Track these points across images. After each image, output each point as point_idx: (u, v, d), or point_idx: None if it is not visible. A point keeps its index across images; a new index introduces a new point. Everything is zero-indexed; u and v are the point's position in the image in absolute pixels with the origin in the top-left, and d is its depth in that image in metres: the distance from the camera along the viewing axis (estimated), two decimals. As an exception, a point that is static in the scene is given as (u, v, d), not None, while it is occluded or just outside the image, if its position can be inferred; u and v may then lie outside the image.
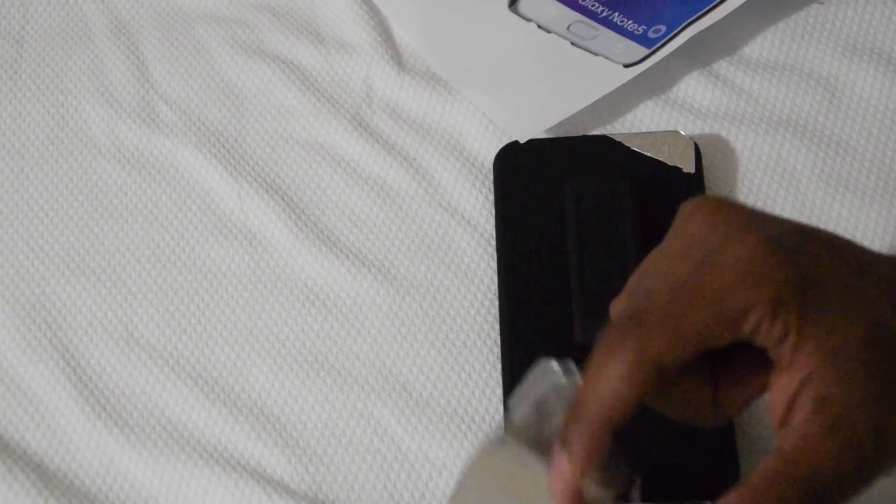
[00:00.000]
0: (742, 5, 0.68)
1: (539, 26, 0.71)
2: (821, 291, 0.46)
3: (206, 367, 0.64)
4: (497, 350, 0.63)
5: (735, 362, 0.48)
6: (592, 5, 0.71)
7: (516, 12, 0.71)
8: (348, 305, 0.65)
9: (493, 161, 0.67)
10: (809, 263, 0.46)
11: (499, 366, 0.62)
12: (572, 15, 0.71)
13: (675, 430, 0.58)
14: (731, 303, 0.45)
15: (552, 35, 0.70)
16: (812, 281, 0.46)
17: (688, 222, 0.48)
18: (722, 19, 0.68)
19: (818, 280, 0.46)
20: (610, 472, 0.49)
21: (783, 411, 0.46)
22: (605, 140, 0.66)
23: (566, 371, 0.48)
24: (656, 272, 0.47)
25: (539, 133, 0.67)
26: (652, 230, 0.63)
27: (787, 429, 0.46)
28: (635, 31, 0.69)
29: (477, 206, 0.67)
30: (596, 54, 0.69)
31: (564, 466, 0.47)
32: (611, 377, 0.45)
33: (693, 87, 0.69)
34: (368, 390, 0.62)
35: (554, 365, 0.48)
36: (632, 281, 0.49)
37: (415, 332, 0.64)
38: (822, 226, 0.63)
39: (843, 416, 0.45)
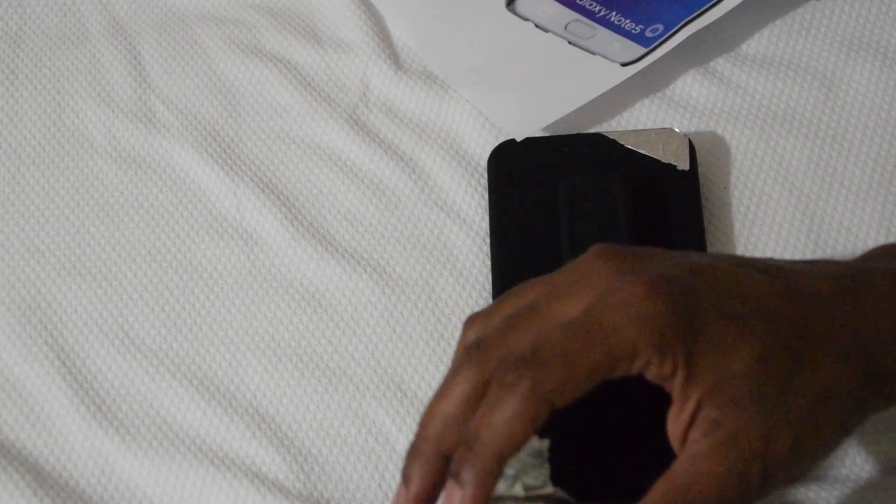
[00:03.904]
0: (739, 3, 0.68)
1: (536, 25, 0.71)
2: (707, 326, 0.47)
3: (201, 367, 0.63)
4: (491, 349, 0.62)
5: None
6: (590, 4, 0.71)
7: (514, 11, 0.71)
8: (343, 304, 0.64)
9: (487, 159, 0.67)
10: (695, 299, 0.48)
11: (493, 364, 0.62)
12: (570, 14, 0.71)
13: (650, 437, 0.58)
14: (621, 343, 0.47)
15: (549, 34, 0.70)
16: (697, 317, 0.47)
17: (583, 265, 0.50)
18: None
19: (704, 315, 0.48)
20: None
21: (679, 441, 0.48)
22: (599, 138, 0.66)
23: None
24: (548, 310, 0.49)
25: (536, 131, 0.67)
26: (646, 228, 0.63)
27: (680, 453, 0.48)
28: (633, 31, 0.69)
29: (472, 205, 0.67)
30: (593, 53, 0.69)
31: (458, 499, 0.48)
32: (505, 413, 0.47)
33: (689, 84, 0.69)
34: (363, 390, 0.62)
35: None
36: (515, 308, 0.51)
37: (409, 331, 0.63)
38: (817, 221, 0.64)
39: (731, 435, 0.47)
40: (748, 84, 0.68)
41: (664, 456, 0.49)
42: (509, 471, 0.51)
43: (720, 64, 0.69)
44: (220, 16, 0.74)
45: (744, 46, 0.70)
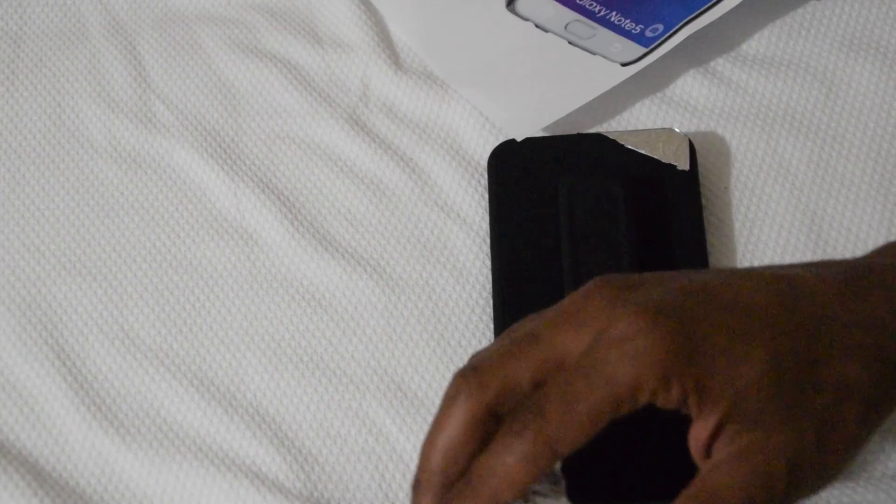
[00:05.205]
0: (739, 3, 0.68)
1: (536, 25, 0.71)
2: (709, 345, 0.47)
3: (201, 367, 0.63)
4: (492, 349, 0.62)
5: None
6: (590, 4, 0.71)
7: (514, 11, 0.71)
8: (343, 305, 0.64)
9: (487, 159, 0.67)
10: (692, 323, 0.47)
11: (493, 364, 0.62)
12: (570, 14, 0.71)
13: (668, 434, 0.58)
14: (621, 382, 0.47)
15: (549, 34, 0.70)
16: (697, 338, 0.47)
17: (581, 298, 0.49)
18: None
19: (704, 335, 0.47)
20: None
21: (702, 454, 0.48)
22: (599, 138, 0.66)
23: None
24: (548, 339, 0.49)
25: (536, 131, 0.67)
26: (646, 228, 0.63)
27: (703, 465, 0.48)
28: (633, 31, 0.69)
29: (472, 205, 0.67)
30: (593, 53, 0.69)
31: None
32: (507, 458, 0.47)
33: (689, 84, 0.69)
34: (363, 390, 0.62)
35: None
36: (512, 338, 0.50)
37: (409, 331, 0.63)
38: (817, 221, 0.64)
39: (754, 440, 0.46)
40: (748, 84, 0.68)
41: (679, 460, 0.49)
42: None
43: (720, 64, 0.69)
44: (220, 16, 0.74)
45: (744, 46, 0.70)
